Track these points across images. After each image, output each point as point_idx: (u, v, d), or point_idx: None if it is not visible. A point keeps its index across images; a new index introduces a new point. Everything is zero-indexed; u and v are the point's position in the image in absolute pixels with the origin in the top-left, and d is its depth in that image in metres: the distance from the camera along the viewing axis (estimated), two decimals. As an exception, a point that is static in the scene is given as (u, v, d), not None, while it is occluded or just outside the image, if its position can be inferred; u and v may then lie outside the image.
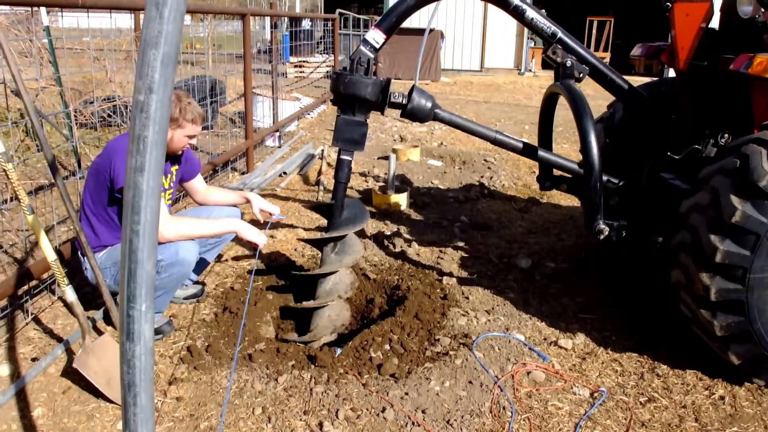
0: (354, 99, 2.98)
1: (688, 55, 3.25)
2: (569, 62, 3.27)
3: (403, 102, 3.08)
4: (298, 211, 5.09)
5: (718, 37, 3.31)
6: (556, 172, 3.68)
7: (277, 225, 4.52)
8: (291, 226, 4.63)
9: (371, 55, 3.03)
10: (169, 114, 1.01)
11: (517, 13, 3.22)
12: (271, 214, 3.51)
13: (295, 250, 4.23)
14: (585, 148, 3.03)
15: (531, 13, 3.22)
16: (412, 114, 3.11)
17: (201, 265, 3.50)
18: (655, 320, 3.36)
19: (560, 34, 3.28)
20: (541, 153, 3.40)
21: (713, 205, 2.59)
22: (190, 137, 3.08)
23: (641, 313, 3.44)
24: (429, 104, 3.12)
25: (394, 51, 14.34)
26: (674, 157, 3.52)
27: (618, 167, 3.61)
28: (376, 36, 3.03)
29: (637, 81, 4.04)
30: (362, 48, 3.02)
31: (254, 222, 3.56)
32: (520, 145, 3.34)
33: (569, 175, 3.63)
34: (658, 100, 3.68)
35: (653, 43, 3.89)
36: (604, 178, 3.40)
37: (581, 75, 3.31)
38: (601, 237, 3.09)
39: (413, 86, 3.13)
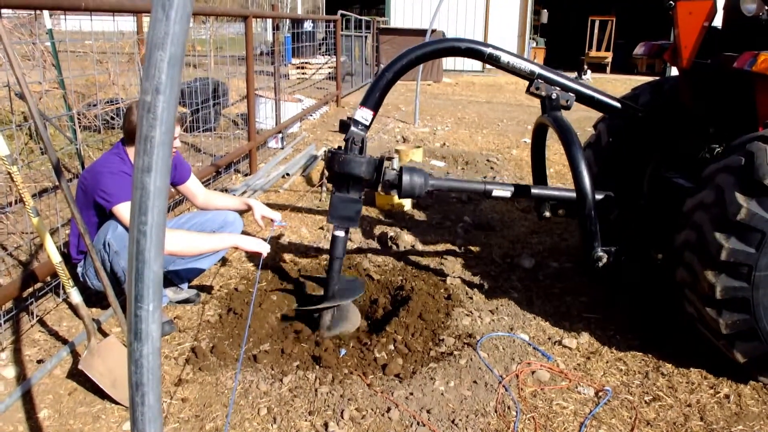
0: (349, 177, 3.05)
1: (691, 53, 3.25)
2: (554, 94, 3.31)
3: (396, 184, 3.15)
4: (301, 212, 5.09)
5: (722, 35, 3.31)
6: None
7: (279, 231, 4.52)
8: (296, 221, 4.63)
9: (363, 134, 3.10)
10: (175, 115, 1.01)
11: (493, 60, 3.26)
12: (272, 220, 3.51)
13: (299, 251, 4.24)
14: (576, 178, 3.06)
15: (506, 57, 3.27)
16: (409, 193, 3.18)
17: (194, 271, 3.51)
18: (660, 319, 3.35)
19: (538, 70, 3.32)
20: (534, 191, 3.47)
21: (718, 203, 2.59)
22: None
23: (645, 312, 3.44)
24: (421, 179, 3.18)
25: (396, 52, 14.29)
26: (678, 155, 3.52)
27: (619, 178, 3.61)
28: (364, 114, 3.11)
29: (639, 80, 4.03)
30: (353, 129, 3.09)
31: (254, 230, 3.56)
32: (512, 189, 3.39)
33: None
34: (661, 99, 3.67)
35: (656, 42, 3.88)
36: (602, 195, 3.42)
37: (569, 102, 3.35)
38: (600, 264, 3.09)
39: (401, 167, 3.19)
